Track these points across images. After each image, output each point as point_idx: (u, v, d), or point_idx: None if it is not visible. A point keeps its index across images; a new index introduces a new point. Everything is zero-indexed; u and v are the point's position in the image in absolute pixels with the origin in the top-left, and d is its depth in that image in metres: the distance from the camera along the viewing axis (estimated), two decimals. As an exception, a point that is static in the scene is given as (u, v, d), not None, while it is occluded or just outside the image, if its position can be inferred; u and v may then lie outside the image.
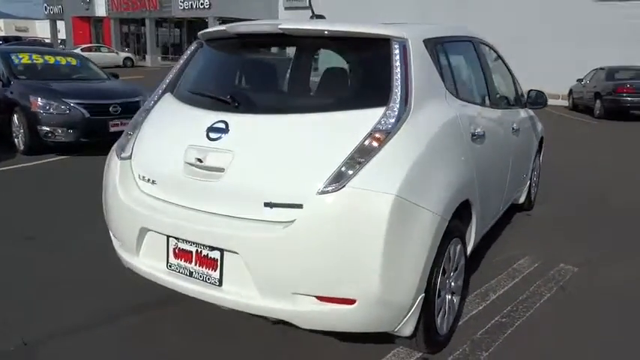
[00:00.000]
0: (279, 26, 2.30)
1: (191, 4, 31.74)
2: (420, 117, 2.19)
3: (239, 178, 2.13)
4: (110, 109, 6.75)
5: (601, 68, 14.83)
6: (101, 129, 6.61)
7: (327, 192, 1.95)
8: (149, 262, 2.39)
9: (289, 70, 2.88)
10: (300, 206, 2.00)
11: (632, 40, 18.14)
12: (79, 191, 4.97)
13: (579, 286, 3.27)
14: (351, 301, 1.98)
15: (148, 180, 2.42)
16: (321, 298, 2.00)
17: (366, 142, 2.01)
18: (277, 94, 2.72)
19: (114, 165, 2.56)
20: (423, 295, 2.15)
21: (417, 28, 2.58)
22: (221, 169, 2.16)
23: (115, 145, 2.69)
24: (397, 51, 2.23)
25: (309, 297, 2.01)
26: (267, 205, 2.06)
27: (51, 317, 2.72)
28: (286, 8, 31.47)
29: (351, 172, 1.96)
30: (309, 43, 2.63)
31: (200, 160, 2.19)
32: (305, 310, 2.02)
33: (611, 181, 6.34)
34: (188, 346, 2.51)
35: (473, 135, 2.62)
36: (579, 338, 2.67)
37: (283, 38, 2.44)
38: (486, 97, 3.27)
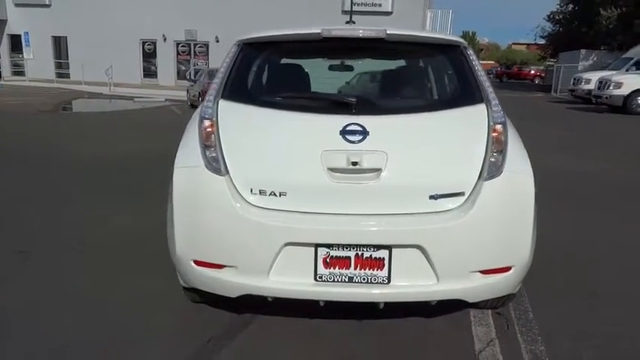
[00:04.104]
0: (388, 31, 2.42)
1: None
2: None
3: (398, 176, 2.22)
4: None
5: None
6: None
7: (491, 178, 2.24)
8: (286, 279, 2.22)
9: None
10: (462, 194, 2.24)
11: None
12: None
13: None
14: (508, 269, 2.31)
15: (272, 193, 2.24)
16: (485, 272, 2.27)
17: (494, 134, 2.35)
18: (387, 95, 2.76)
19: (216, 183, 2.24)
20: None
21: None
22: (378, 170, 2.20)
23: (191, 161, 2.33)
24: (473, 56, 2.62)
25: (477, 273, 2.26)
26: (432, 197, 2.22)
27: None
28: (17, 5, 27.00)
29: (498, 159, 2.28)
30: (398, 49, 2.76)
31: (355, 164, 2.18)
32: (475, 286, 2.27)
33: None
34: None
35: None
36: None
37: (368, 43, 2.55)
38: None
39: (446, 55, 2.65)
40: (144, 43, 25.88)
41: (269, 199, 2.24)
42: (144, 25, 24.41)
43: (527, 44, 70.62)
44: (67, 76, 26.47)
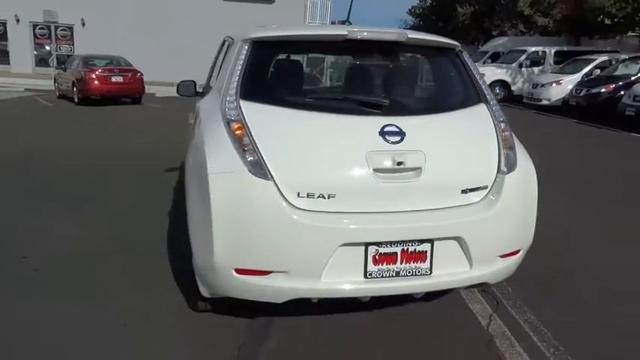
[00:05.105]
0: (409, 35, 2.54)
1: None
2: None
3: (436, 173, 2.37)
4: None
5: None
6: None
7: (510, 172, 2.50)
8: (338, 279, 2.27)
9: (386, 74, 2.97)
10: (485, 187, 2.48)
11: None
12: None
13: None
14: (517, 252, 2.61)
15: (320, 196, 2.25)
16: (503, 256, 2.55)
17: (500, 132, 2.61)
18: (408, 96, 2.82)
19: (264, 188, 2.19)
20: None
21: None
22: (418, 168, 2.34)
23: (231, 166, 2.24)
24: (469, 59, 2.86)
25: (498, 257, 2.52)
26: (463, 191, 2.43)
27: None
28: None
29: (510, 155, 2.56)
30: (410, 51, 2.85)
31: (400, 163, 2.29)
32: (497, 269, 2.53)
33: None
34: None
35: None
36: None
37: (384, 45, 2.65)
38: None
39: (448, 57, 2.85)
40: (-10, 23, 22.51)
41: (317, 201, 2.25)
42: (-11, 2, 21.18)
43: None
44: None
